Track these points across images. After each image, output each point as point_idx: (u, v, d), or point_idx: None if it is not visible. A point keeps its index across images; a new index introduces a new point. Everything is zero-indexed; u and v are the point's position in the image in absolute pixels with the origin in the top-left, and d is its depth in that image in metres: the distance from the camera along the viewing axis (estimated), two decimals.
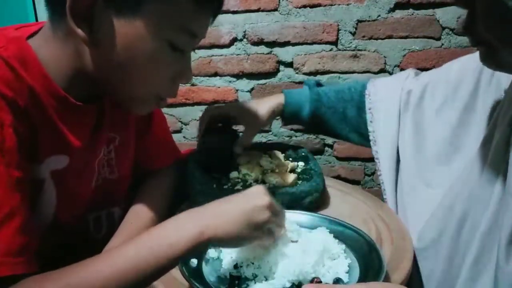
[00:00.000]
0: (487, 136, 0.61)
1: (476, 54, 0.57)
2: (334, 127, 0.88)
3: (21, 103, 0.51)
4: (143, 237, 0.50)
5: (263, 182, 0.80)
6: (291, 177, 0.79)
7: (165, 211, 0.75)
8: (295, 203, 0.73)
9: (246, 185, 0.78)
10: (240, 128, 0.88)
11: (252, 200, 0.53)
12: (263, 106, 0.85)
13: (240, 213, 0.52)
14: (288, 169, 0.84)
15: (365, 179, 1.53)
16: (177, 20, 0.54)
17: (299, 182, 0.80)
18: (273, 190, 0.75)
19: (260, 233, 0.53)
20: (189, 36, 0.57)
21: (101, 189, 0.69)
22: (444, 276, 0.62)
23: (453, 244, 0.61)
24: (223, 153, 0.84)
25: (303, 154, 0.89)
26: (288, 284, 0.53)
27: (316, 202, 0.76)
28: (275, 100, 0.87)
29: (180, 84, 0.63)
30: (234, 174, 0.81)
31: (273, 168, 0.83)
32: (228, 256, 0.58)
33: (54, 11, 0.55)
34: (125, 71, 0.56)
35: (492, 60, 0.54)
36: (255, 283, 0.54)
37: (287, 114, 0.88)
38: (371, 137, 0.84)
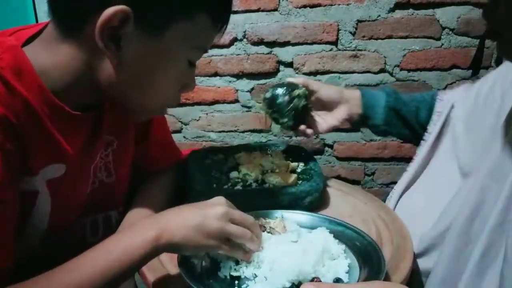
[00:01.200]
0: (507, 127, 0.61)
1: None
2: (409, 122, 0.89)
3: (13, 119, 0.50)
4: (100, 245, 0.51)
5: (263, 182, 0.80)
6: (292, 177, 0.79)
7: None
8: (295, 203, 0.73)
9: (246, 185, 0.78)
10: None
11: (206, 208, 0.55)
12: (334, 89, 0.87)
13: (193, 219, 0.53)
14: (289, 170, 0.84)
15: (365, 179, 1.53)
16: (197, 39, 0.57)
17: (299, 182, 0.80)
18: (273, 190, 0.75)
19: (217, 242, 0.53)
20: (203, 52, 0.61)
21: (98, 193, 0.69)
22: (449, 272, 0.62)
23: (461, 239, 0.61)
24: (295, 106, 0.80)
25: (303, 154, 0.89)
26: (288, 284, 0.53)
27: (316, 202, 0.76)
28: (350, 92, 0.88)
29: None
30: (234, 174, 0.81)
31: (274, 168, 0.83)
32: (227, 256, 0.58)
33: (68, 22, 0.53)
34: (141, 86, 0.57)
35: (506, 51, 0.55)
36: (255, 283, 0.54)
37: (363, 105, 0.87)
38: (425, 137, 0.85)
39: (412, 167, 0.84)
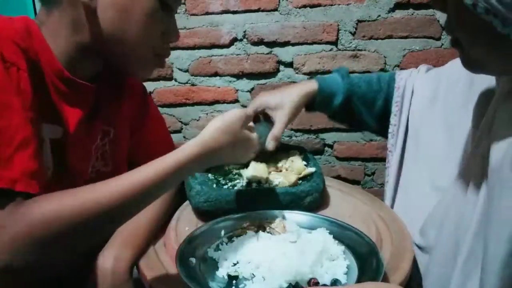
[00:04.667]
0: (478, 138, 0.61)
1: None
2: (361, 116, 0.90)
3: (31, 56, 0.56)
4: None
5: (266, 182, 0.79)
6: (294, 178, 0.79)
7: (165, 210, 0.75)
8: (295, 203, 0.73)
9: (246, 185, 0.78)
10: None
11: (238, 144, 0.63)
12: (293, 94, 0.85)
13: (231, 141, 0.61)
14: (299, 172, 0.83)
15: (365, 179, 1.53)
16: None
17: (299, 182, 0.80)
18: (273, 190, 0.75)
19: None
20: None
21: (95, 182, 0.69)
22: (439, 277, 0.62)
23: (448, 246, 0.61)
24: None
25: (303, 154, 0.89)
26: (285, 284, 0.53)
27: (316, 202, 0.76)
28: (306, 86, 0.87)
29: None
30: (247, 173, 0.80)
31: (283, 168, 0.83)
32: (226, 256, 0.58)
33: None
34: (122, 32, 0.61)
35: (466, 61, 0.56)
36: (252, 283, 0.54)
37: (318, 101, 0.87)
38: (390, 130, 0.86)
39: (392, 171, 0.85)
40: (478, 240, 0.55)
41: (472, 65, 0.56)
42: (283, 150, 0.90)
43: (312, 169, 0.81)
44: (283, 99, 0.84)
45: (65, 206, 0.50)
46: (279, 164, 0.84)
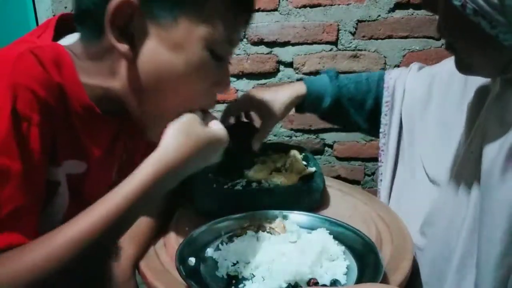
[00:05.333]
0: (471, 139, 0.61)
1: None
2: (351, 117, 0.89)
3: (52, 103, 0.51)
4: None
5: (266, 182, 0.79)
6: (294, 178, 0.79)
7: (166, 209, 0.75)
8: (295, 203, 0.73)
9: (246, 185, 0.78)
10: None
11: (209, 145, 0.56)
12: (282, 96, 0.83)
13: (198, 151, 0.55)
14: (299, 172, 0.83)
15: (365, 179, 1.53)
16: (216, 26, 0.54)
17: (300, 182, 0.80)
18: (273, 190, 0.75)
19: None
20: (228, 43, 0.57)
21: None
22: (432, 277, 0.62)
23: (440, 245, 0.61)
24: (241, 150, 0.81)
25: (303, 154, 0.89)
26: (285, 285, 0.53)
27: (316, 202, 0.76)
28: (295, 89, 0.86)
29: None
30: (250, 173, 0.80)
31: (283, 169, 0.83)
32: (225, 256, 0.58)
33: (88, 29, 0.54)
34: (162, 84, 0.55)
35: (459, 64, 0.56)
36: (252, 282, 0.54)
37: (307, 104, 0.87)
38: (382, 129, 0.86)
39: (387, 169, 0.85)
40: (472, 239, 0.55)
41: (464, 68, 0.57)
42: (283, 150, 0.90)
43: (312, 169, 0.81)
44: (272, 100, 0.82)
45: (16, 272, 0.45)
46: (279, 164, 0.84)
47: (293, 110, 0.89)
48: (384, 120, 0.86)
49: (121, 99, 0.57)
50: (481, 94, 0.62)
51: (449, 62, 0.75)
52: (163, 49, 0.53)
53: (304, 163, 0.85)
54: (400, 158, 0.83)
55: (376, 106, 0.88)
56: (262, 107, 0.82)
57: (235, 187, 0.77)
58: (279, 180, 0.78)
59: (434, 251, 0.62)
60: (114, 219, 0.48)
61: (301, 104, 0.87)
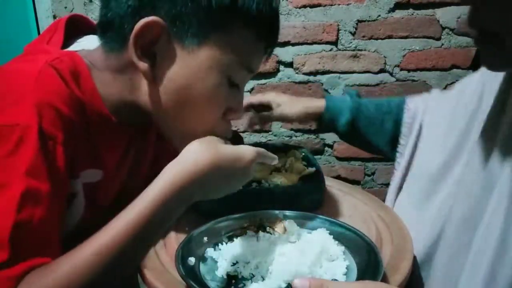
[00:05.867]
0: (490, 130, 0.59)
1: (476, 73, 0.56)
2: (370, 138, 0.89)
3: (74, 119, 0.51)
4: (135, 215, 0.47)
5: (266, 182, 0.79)
6: (294, 178, 0.79)
7: None
8: (295, 203, 0.73)
9: (245, 185, 0.78)
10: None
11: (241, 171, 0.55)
12: (301, 101, 0.89)
13: (226, 173, 0.53)
14: (299, 172, 0.83)
15: (365, 179, 1.53)
16: (239, 55, 0.54)
17: (300, 182, 0.80)
18: (273, 190, 0.75)
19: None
20: (247, 71, 0.57)
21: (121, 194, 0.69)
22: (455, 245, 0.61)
23: (454, 248, 0.60)
24: None
25: (303, 154, 0.89)
26: (284, 285, 0.53)
27: (316, 202, 0.76)
28: (314, 100, 0.90)
29: None
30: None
31: (283, 169, 0.83)
32: (225, 256, 0.58)
33: (111, 40, 0.54)
34: (181, 106, 0.55)
35: (499, 57, 0.52)
36: (251, 283, 0.54)
37: (325, 119, 0.89)
38: (399, 149, 0.85)
39: (395, 182, 0.84)
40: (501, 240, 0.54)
41: (505, 62, 0.52)
42: (283, 150, 0.90)
43: (312, 169, 0.81)
44: (292, 99, 0.88)
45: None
46: (279, 164, 0.84)
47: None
48: (402, 140, 0.85)
49: (143, 111, 0.56)
50: (500, 103, 0.61)
51: (467, 82, 0.74)
52: (183, 72, 0.53)
53: (304, 163, 0.85)
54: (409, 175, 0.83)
55: (396, 128, 0.87)
56: (280, 100, 0.88)
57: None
58: (279, 180, 0.78)
59: (463, 211, 0.60)
60: (134, 233, 0.46)
61: (320, 119, 0.89)
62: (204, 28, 0.51)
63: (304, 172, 0.81)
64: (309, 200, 0.74)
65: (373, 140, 0.90)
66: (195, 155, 0.51)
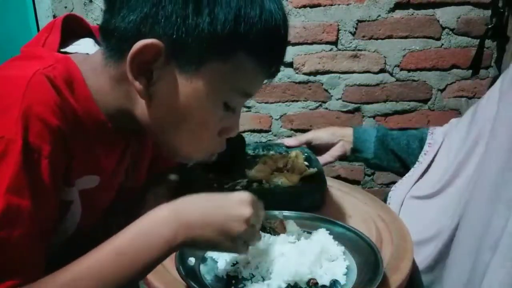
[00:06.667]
0: None
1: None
2: (399, 156, 0.93)
3: (65, 129, 0.50)
4: (112, 243, 0.48)
5: (268, 182, 0.79)
6: (295, 178, 0.79)
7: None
8: (296, 203, 0.73)
9: (246, 185, 0.78)
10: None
11: (231, 209, 0.50)
12: (344, 137, 0.96)
13: (215, 219, 0.50)
14: (300, 173, 0.83)
15: (365, 179, 1.53)
16: (238, 83, 0.53)
17: (301, 182, 0.80)
18: (274, 190, 0.75)
19: (234, 245, 0.50)
20: (244, 97, 0.57)
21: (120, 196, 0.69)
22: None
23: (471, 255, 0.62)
24: (234, 158, 0.84)
25: (306, 154, 0.89)
26: (284, 285, 0.53)
27: (317, 202, 0.76)
28: (341, 127, 0.99)
29: None
30: (250, 173, 0.80)
31: (285, 169, 0.83)
32: (225, 256, 0.58)
33: (112, 50, 0.53)
34: (175, 126, 0.55)
35: None
36: (251, 283, 0.54)
37: (355, 141, 0.94)
38: (415, 165, 0.89)
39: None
40: None
41: None
42: (285, 150, 0.90)
43: (314, 170, 0.81)
44: (333, 138, 0.96)
45: None
46: (281, 164, 0.84)
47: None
48: (421, 158, 0.88)
49: (136, 122, 0.56)
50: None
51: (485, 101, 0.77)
52: (179, 95, 0.52)
53: (306, 163, 0.85)
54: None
55: (422, 148, 0.90)
56: (325, 144, 0.96)
57: (236, 187, 0.77)
58: (280, 180, 0.78)
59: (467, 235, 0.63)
60: (119, 278, 0.47)
61: (351, 146, 0.95)
62: (203, 54, 0.50)
63: (305, 172, 0.81)
64: (309, 201, 0.74)
65: (403, 157, 0.93)
66: (194, 197, 0.51)
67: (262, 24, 0.50)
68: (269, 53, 0.53)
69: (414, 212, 0.80)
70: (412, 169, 0.88)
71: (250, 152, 0.92)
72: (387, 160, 0.94)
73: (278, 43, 0.54)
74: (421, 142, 0.90)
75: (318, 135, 0.97)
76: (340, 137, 0.95)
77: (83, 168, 0.56)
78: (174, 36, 0.48)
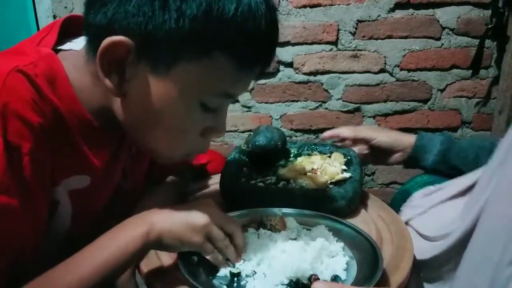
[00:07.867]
0: None
1: None
2: (463, 171, 0.86)
3: (46, 126, 0.48)
4: (96, 242, 0.51)
5: (287, 182, 0.78)
6: (324, 181, 0.76)
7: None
8: (314, 207, 0.70)
9: (272, 183, 0.78)
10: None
11: (193, 204, 0.56)
12: (398, 143, 0.92)
13: (179, 213, 0.54)
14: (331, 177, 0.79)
15: (365, 179, 1.53)
16: (214, 83, 0.51)
17: (331, 186, 0.76)
18: (293, 191, 0.73)
19: (201, 239, 0.53)
20: (225, 97, 0.54)
21: (117, 198, 0.68)
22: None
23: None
24: (272, 151, 0.85)
25: (347, 157, 0.85)
26: (286, 281, 0.53)
27: (340, 209, 0.72)
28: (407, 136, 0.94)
29: None
30: (282, 171, 0.80)
31: (318, 170, 0.81)
32: None
33: (90, 45, 0.51)
34: (150, 127, 0.54)
35: None
36: (254, 279, 0.54)
37: (418, 144, 0.91)
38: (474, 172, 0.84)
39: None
40: None
41: None
42: (330, 152, 0.88)
43: (347, 175, 0.77)
44: (395, 146, 0.92)
45: None
46: (316, 166, 0.82)
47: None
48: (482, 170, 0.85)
49: (118, 119, 0.55)
50: None
51: None
52: (152, 94, 0.50)
53: (344, 167, 0.81)
54: None
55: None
56: (383, 148, 0.92)
57: (264, 183, 0.78)
58: (305, 182, 0.76)
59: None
60: (105, 271, 0.49)
61: (413, 150, 0.91)
62: (174, 53, 0.48)
63: (337, 176, 0.77)
64: (330, 207, 0.71)
65: (463, 171, 0.87)
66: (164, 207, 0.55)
67: (238, 20, 0.46)
68: (249, 52, 0.50)
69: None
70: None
71: (294, 150, 0.90)
72: (446, 170, 0.90)
73: (259, 41, 0.50)
74: (491, 154, 0.86)
75: (380, 139, 0.93)
76: (402, 147, 0.92)
77: (71, 167, 0.55)
78: (143, 33, 0.46)
